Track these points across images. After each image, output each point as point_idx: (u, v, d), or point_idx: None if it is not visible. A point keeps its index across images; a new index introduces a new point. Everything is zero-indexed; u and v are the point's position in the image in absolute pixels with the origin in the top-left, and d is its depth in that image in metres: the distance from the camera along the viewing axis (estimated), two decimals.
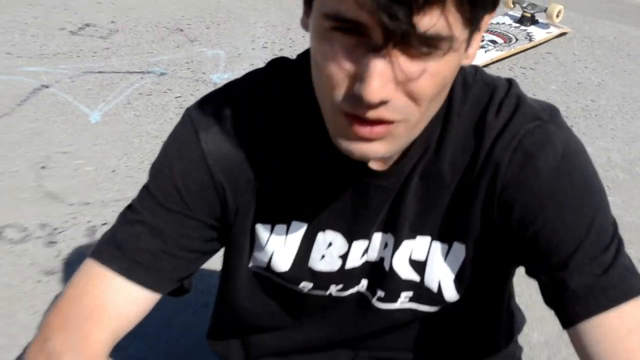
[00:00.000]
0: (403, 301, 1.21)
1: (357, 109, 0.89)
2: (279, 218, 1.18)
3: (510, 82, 1.13)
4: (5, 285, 2.33)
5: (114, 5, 4.84)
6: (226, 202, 1.15)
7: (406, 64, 0.85)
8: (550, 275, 1.04)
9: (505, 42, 4.50)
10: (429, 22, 0.80)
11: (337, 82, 0.89)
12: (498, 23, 4.81)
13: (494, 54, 4.33)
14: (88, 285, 1.12)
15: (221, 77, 3.96)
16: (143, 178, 1.11)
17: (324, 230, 1.17)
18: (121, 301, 1.12)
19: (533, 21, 4.76)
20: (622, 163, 3.34)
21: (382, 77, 0.84)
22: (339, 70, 0.88)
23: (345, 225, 1.17)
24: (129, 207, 1.15)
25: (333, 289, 1.23)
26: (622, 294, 1.01)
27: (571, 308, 1.03)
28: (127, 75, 3.93)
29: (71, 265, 2.44)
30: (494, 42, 4.51)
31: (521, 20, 4.77)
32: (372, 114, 0.88)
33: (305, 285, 1.23)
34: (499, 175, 1.05)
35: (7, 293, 2.30)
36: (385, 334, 1.32)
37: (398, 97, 0.88)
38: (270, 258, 1.20)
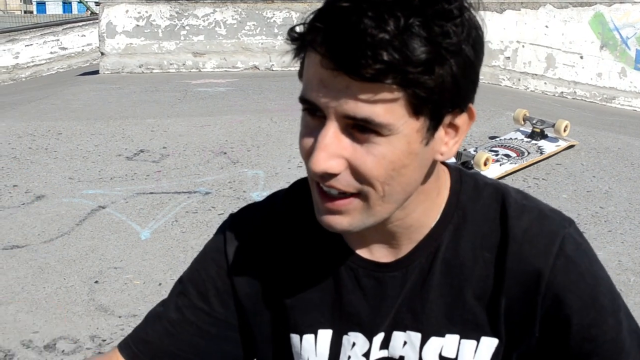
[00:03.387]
0: None
1: (316, 180, 0.97)
2: (305, 328, 1.17)
3: (516, 190, 1.14)
4: None
5: (165, 133, 4.90)
6: (241, 304, 1.18)
7: (350, 143, 0.93)
8: None
9: (518, 156, 4.45)
10: (364, 110, 0.90)
11: (305, 156, 0.97)
12: (511, 138, 4.77)
13: (508, 166, 4.28)
14: None
15: (260, 195, 3.94)
16: None
17: (347, 332, 1.15)
18: None
19: (543, 136, 4.71)
20: (632, 266, 3.20)
21: (326, 151, 0.92)
22: (306, 145, 0.97)
23: (364, 322, 1.14)
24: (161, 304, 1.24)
25: None
26: None
27: None
28: (176, 196, 3.93)
29: None
30: (507, 155, 4.46)
31: (532, 135, 4.73)
32: (325, 185, 0.96)
33: None
34: (543, 278, 1.03)
35: None
36: None
37: (346, 174, 0.95)
38: None
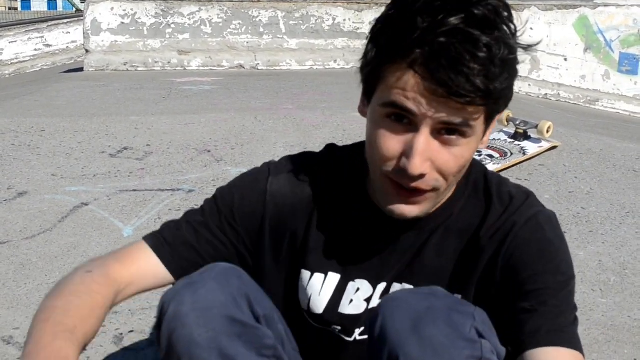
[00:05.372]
0: None
1: (402, 179, 1.16)
2: (317, 267, 1.35)
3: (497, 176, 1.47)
4: None
5: (149, 130, 4.89)
6: (263, 233, 1.37)
7: (437, 146, 1.13)
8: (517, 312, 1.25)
9: (501, 156, 4.49)
10: (459, 117, 1.11)
11: (389, 157, 1.16)
12: (494, 139, 4.80)
13: (491, 167, 4.30)
14: (132, 251, 1.40)
15: None
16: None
17: (354, 279, 1.33)
18: (147, 267, 1.38)
19: (526, 137, 4.75)
20: (613, 266, 3.23)
21: (422, 156, 1.12)
22: (391, 148, 1.14)
23: (372, 272, 1.32)
24: (192, 211, 1.49)
25: (357, 334, 1.34)
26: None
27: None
28: (159, 193, 3.93)
29: None
30: (491, 156, 4.49)
31: (515, 136, 4.76)
32: (411, 185, 1.16)
33: (334, 329, 1.35)
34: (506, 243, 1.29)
35: None
36: None
37: (431, 173, 1.15)
38: (309, 301, 1.35)
